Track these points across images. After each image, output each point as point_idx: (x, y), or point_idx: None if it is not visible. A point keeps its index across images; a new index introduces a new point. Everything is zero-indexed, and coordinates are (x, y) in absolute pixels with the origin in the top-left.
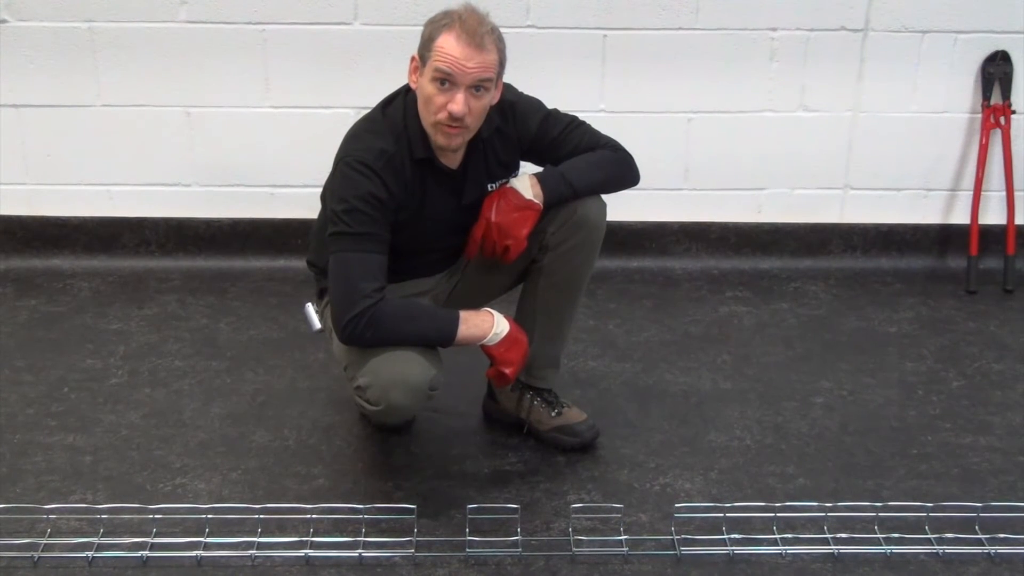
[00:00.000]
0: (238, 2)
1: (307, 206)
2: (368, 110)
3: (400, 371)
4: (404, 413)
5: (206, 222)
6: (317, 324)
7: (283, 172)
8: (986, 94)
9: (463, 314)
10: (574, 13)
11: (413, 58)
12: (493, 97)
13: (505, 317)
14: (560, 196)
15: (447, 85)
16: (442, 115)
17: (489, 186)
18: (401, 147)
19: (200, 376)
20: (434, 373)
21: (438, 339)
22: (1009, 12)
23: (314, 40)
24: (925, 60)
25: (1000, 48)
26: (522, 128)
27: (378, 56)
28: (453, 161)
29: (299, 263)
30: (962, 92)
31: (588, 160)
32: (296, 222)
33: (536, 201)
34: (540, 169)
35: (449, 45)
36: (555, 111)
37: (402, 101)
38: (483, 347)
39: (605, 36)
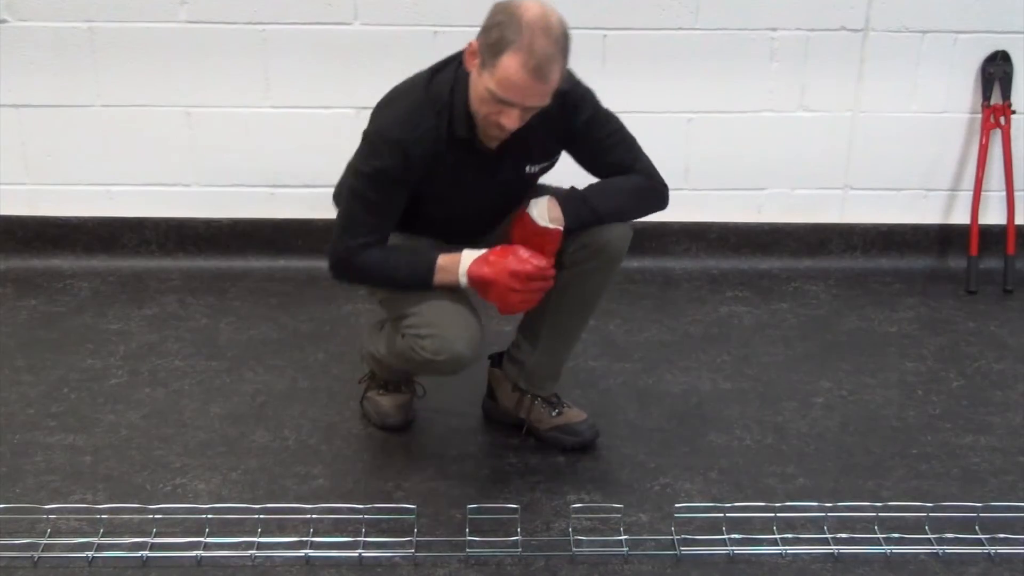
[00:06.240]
0: (238, 2)
1: (307, 206)
2: (368, 109)
3: (462, 323)
4: (465, 363)
5: (206, 222)
6: None
7: (283, 172)
8: (986, 94)
9: (440, 261)
10: (574, 13)
11: (472, 44)
12: None
13: (474, 256)
14: (582, 221)
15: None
16: (492, 119)
17: (527, 167)
18: (440, 122)
19: (200, 376)
20: (481, 325)
21: (415, 286)
22: (1009, 12)
23: (314, 40)
24: (925, 60)
25: (1000, 48)
26: (569, 120)
27: (378, 56)
28: (493, 142)
29: (299, 263)
30: (962, 92)
31: (617, 186)
32: (296, 222)
33: (552, 227)
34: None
35: (513, 73)
36: (604, 111)
37: (452, 75)
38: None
39: (605, 36)
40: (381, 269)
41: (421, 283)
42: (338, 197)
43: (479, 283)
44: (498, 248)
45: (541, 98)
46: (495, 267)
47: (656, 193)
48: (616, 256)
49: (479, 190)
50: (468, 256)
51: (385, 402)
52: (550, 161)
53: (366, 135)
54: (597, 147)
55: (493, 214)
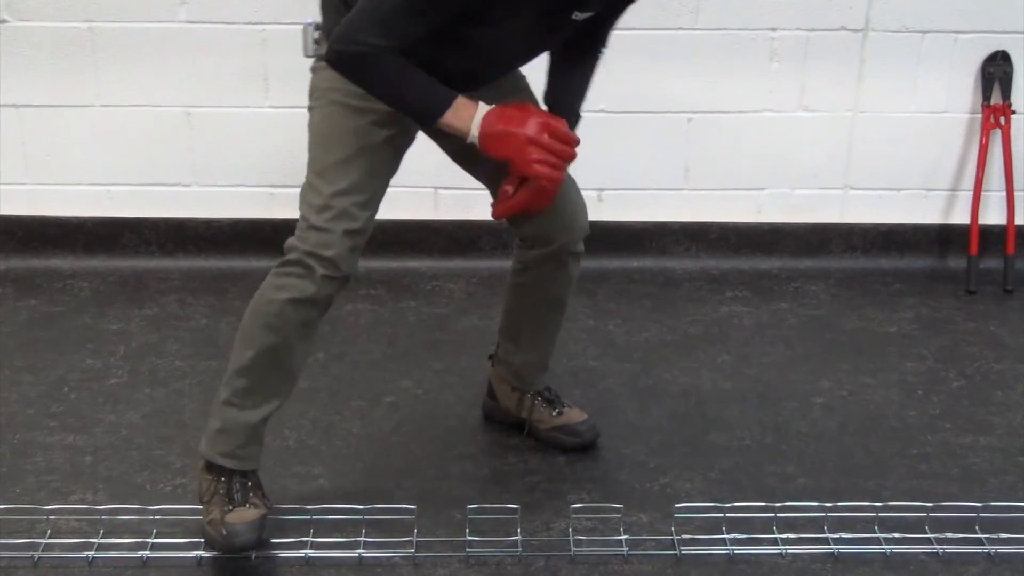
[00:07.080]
0: (238, 2)
1: None
2: None
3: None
4: (336, 266)
5: (206, 222)
6: (310, 52)
7: (283, 172)
8: (986, 94)
9: (459, 99)
10: None
11: None
12: None
13: (489, 108)
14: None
15: None
16: None
17: (575, 14)
18: None
19: (200, 376)
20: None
21: (420, 115)
22: (1009, 12)
23: None
24: (925, 60)
25: (1000, 48)
26: None
27: None
28: None
29: None
30: (962, 92)
31: (584, 87)
32: (296, 222)
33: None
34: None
35: None
36: None
37: None
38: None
39: None
40: (396, 80)
41: (429, 113)
42: None
43: (494, 136)
44: (513, 105)
45: None
46: (513, 117)
47: None
48: (576, 252)
49: (519, 33)
50: (484, 107)
51: (233, 519)
52: (595, 13)
53: None
54: (604, 24)
55: (510, 62)
